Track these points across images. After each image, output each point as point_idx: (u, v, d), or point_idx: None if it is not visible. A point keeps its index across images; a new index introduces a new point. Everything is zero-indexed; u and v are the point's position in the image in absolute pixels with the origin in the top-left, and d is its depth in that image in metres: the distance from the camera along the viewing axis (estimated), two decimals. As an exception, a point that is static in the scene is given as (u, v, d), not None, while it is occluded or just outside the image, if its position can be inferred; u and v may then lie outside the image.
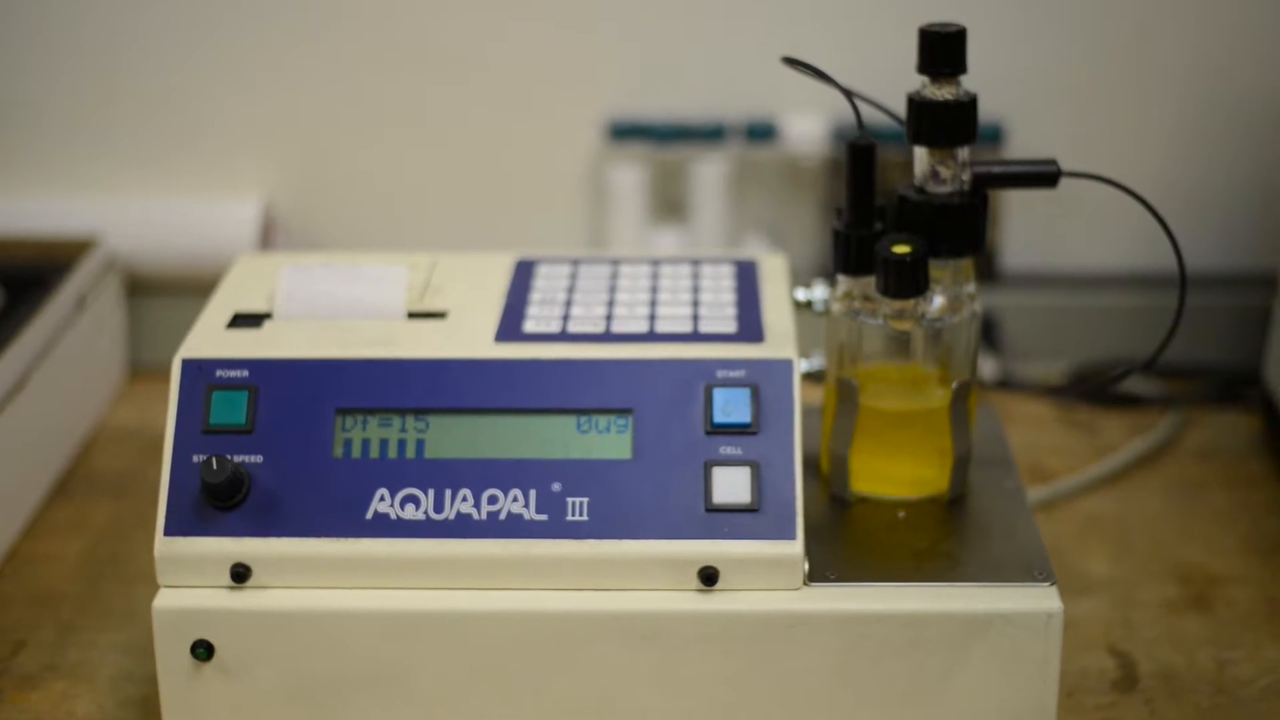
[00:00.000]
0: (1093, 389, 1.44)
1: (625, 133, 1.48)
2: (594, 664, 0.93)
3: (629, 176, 1.48)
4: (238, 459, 0.95)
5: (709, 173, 1.47)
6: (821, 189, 1.48)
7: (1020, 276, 1.52)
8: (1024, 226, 1.52)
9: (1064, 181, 1.01)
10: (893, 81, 1.00)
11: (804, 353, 1.03)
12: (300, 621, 0.93)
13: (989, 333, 1.47)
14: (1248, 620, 1.16)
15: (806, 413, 1.05)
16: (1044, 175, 1.00)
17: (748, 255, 1.10)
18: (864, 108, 1.01)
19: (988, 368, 1.43)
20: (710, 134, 1.47)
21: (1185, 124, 1.50)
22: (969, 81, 0.99)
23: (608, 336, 1.00)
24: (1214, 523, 1.28)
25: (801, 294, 1.05)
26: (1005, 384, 1.44)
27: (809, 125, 1.47)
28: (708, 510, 0.93)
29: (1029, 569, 0.95)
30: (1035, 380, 1.47)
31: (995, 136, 1.46)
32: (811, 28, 1.47)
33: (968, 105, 0.97)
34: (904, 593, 0.93)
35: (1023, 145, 1.48)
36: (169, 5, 1.47)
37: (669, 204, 1.51)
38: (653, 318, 1.02)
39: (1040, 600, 0.93)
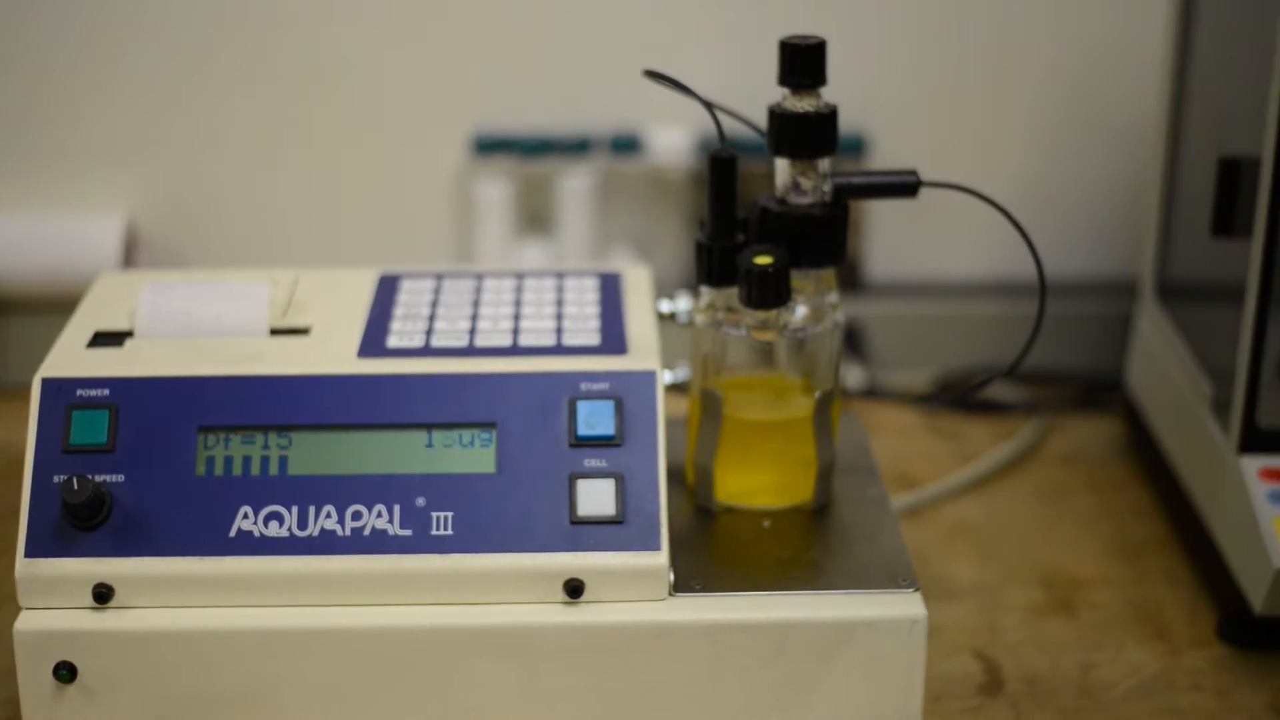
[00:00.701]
0: (957, 396, 1.45)
1: (490, 147, 1.47)
2: (461, 678, 0.93)
3: (495, 191, 1.48)
4: (99, 479, 0.94)
5: (574, 186, 1.48)
6: (686, 201, 1.49)
7: (885, 286, 1.54)
8: (888, 236, 1.53)
9: (928, 191, 1.02)
10: (757, 94, 1.01)
11: (669, 364, 1.04)
12: (164, 641, 0.93)
13: (854, 342, 1.48)
14: (1111, 623, 1.17)
15: (672, 424, 1.05)
16: (904, 185, 1.01)
17: (612, 268, 1.11)
18: (727, 120, 1.01)
19: (854, 377, 1.44)
20: (575, 147, 1.47)
21: (1046, 133, 1.52)
22: (832, 93, 1.00)
23: (471, 351, 1.00)
24: (1078, 527, 1.29)
25: (665, 306, 1.05)
26: (871, 393, 1.45)
27: (673, 138, 1.47)
28: (572, 523, 0.93)
29: (893, 576, 0.96)
30: (901, 388, 1.48)
31: (858, 147, 1.47)
32: (676, 41, 1.48)
33: (828, 117, 0.98)
34: (769, 602, 0.94)
35: (886, 156, 1.49)
36: (29, 21, 1.46)
37: (535, 217, 1.51)
38: (516, 331, 1.02)
39: (904, 607, 0.94)
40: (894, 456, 1.37)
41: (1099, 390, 1.48)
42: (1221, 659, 1.14)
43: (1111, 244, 1.54)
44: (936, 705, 1.07)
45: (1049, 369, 1.50)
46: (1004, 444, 1.40)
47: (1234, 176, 1.13)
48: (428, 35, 1.48)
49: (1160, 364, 1.31)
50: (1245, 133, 1.13)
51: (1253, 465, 1.14)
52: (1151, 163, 1.35)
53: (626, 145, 1.47)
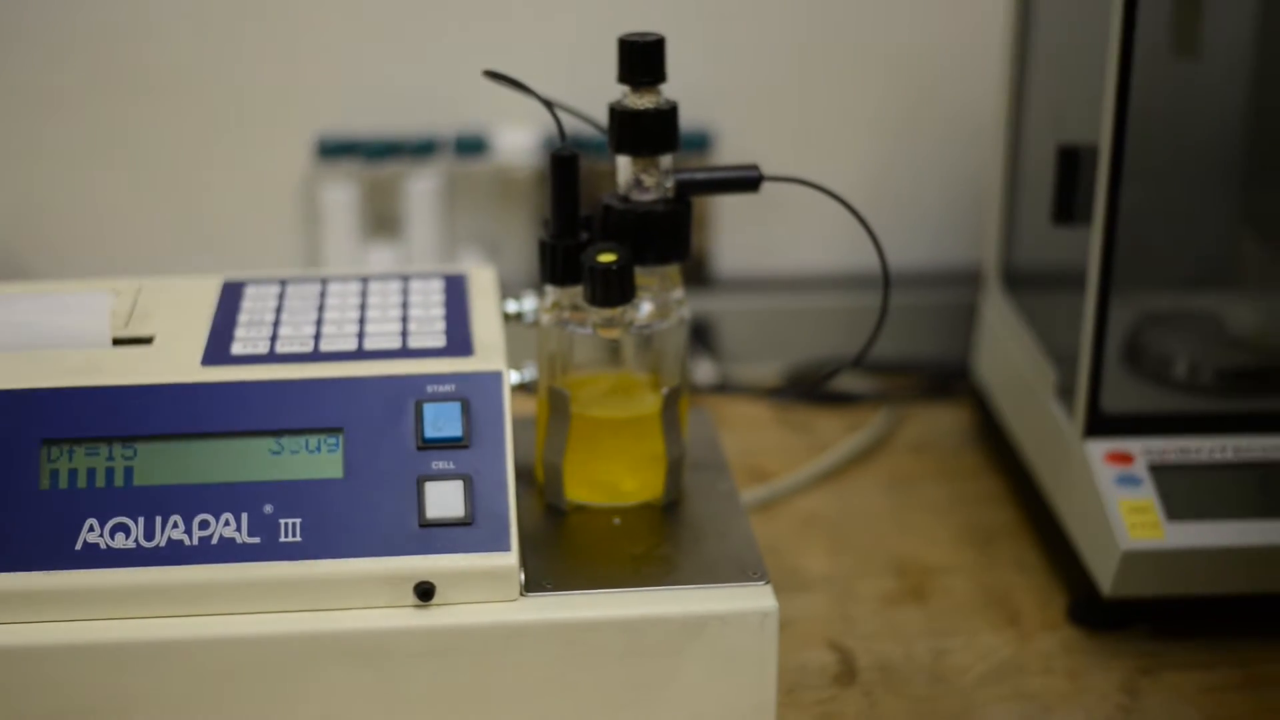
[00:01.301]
0: (806, 389, 1.46)
1: (335, 150, 1.47)
2: (314, 686, 0.92)
3: (340, 195, 1.47)
4: (-59, 494, 0.93)
5: (421, 188, 1.47)
6: (534, 201, 1.49)
7: (734, 281, 1.54)
8: (736, 231, 1.53)
9: (775, 186, 1.03)
10: (602, 92, 1.01)
11: (516, 364, 1.03)
12: (11, 658, 0.91)
13: (704, 337, 1.49)
14: (963, 609, 1.18)
15: (521, 424, 1.05)
16: (746, 180, 1.02)
17: (457, 269, 1.10)
18: (573, 118, 1.01)
19: (704, 372, 1.44)
20: (421, 149, 1.47)
21: (889, 125, 1.53)
22: (676, 90, 1.00)
23: (316, 356, 0.99)
24: (929, 515, 1.30)
25: (511, 306, 1.05)
26: (722, 387, 1.45)
27: (519, 137, 1.47)
28: (421, 525, 0.93)
29: (743, 569, 0.97)
30: (751, 382, 1.49)
31: (703, 143, 1.48)
32: (519, 40, 1.48)
33: (668, 113, 0.98)
34: (620, 599, 0.94)
35: (732, 151, 1.49)
36: None
37: (382, 220, 1.51)
38: (361, 335, 1.01)
39: (755, 600, 0.94)
40: (745, 450, 1.38)
41: (947, 379, 1.50)
42: (1072, 641, 1.15)
43: (956, 233, 1.56)
44: (791, 697, 1.08)
45: (898, 359, 1.51)
46: (854, 435, 1.41)
47: (1073, 164, 1.15)
48: (268, 39, 1.47)
49: (1006, 352, 1.33)
50: (1084, 120, 1.15)
51: (1098, 449, 1.15)
52: (993, 152, 1.37)
53: (472, 146, 1.47)
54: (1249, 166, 1.46)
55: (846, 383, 1.48)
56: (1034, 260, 1.36)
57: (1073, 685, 1.10)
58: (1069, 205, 1.15)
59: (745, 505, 1.11)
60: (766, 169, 1.03)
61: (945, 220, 1.56)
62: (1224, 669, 1.12)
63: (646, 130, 0.98)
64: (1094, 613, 1.16)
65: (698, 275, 1.51)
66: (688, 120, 1.46)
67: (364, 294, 1.07)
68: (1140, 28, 1.08)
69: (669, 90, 1.00)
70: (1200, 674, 1.12)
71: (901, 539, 1.27)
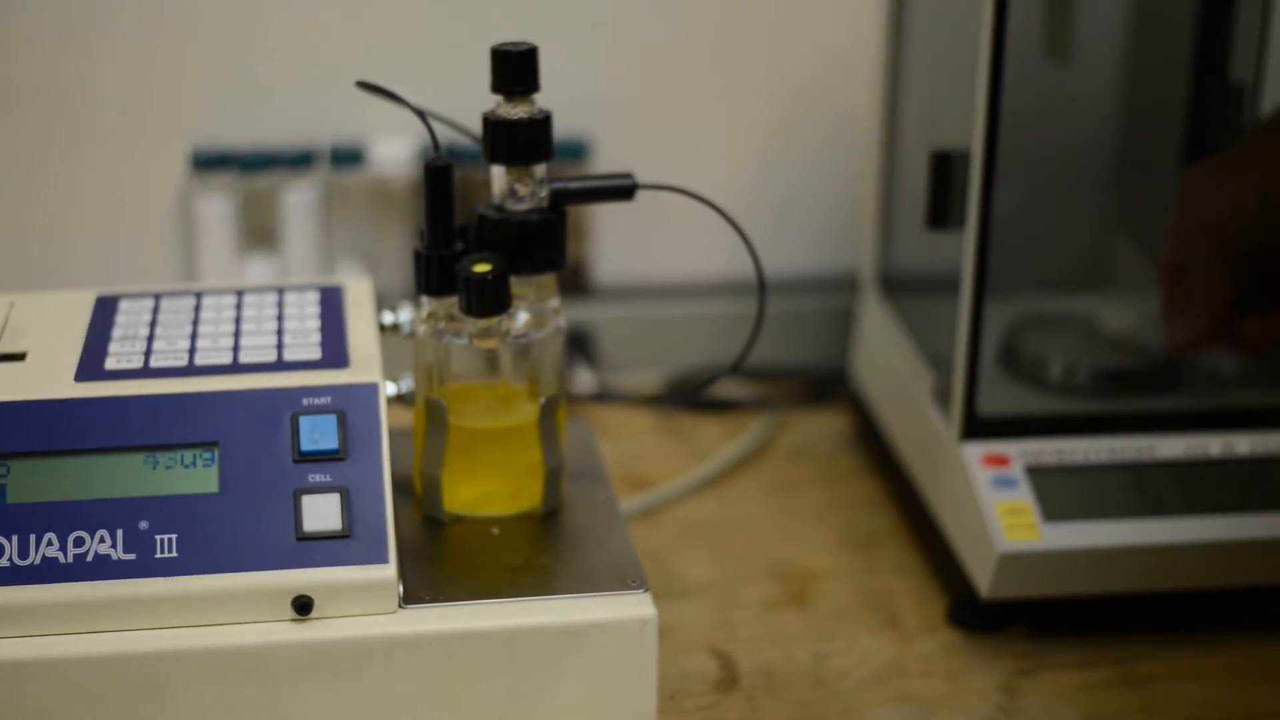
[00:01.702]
0: (685, 396, 1.46)
1: (210, 163, 1.46)
2: (191, 702, 0.92)
3: (216, 207, 1.46)
4: None
5: (298, 200, 1.46)
6: (411, 211, 1.48)
7: (613, 289, 1.54)
8: (615, 240, 1.54)
9: (654, 194, 1.03)
10: (479, 102, 1.01)
11: (393, 376, 1.03)
12: (-118, 680, 0.90)
13: (584, 346, 1.49)
14: (844, 614, 1.19)
15: (399, 435, 1.05)
16: (621, 189, 1.02)
17: (333, 281, 1.10)
18: (447, 128, 1.01)
19: (584, 381, 1.44)
20: (297, 161, 1.46)
21: (766, 134, 1.53)
22: (554, 99, 1.00)
23: (191, 370, 0.99)
24: (810, 520, 1.31)
25: (388, 317, 1.05)
26: (602, 396, 1.45)
27: (396, 148, 1.47)
28: (299, 539, 0.92)
29: (622, 578, 0.97)
30: (632, 390, 1.49)
31: (580, 152, 1.48)
32: (395, 51, 1.47)
33: (542, 123, 0.98)
34: (499, 609, 0.94)
35: (609, 160, 1.50)
36: None
37: (260, 233, 1.50)
38: (236, 349, 1.01)
39: (634, 608, 0.95)
40: (626, 458, 1.38)
41: (827, 384, 1.50)
42: (952, 643, 1.16)
43: (834, 239, 1.56)
44: (672, 704, 1.08)
45: (778, 365, 1.52)
46: (735, 441, 1.41)
47: (946, 169, 1.16)
48: (142, 51, 1.46)
49: (884, 356, 1.33)
50: (957, 125, 1.16)
51: (974, 452, 1.16)
52: (868, 158, 1.38)
53: (348, 157, 1.46)
54: (1122, 169, 1.47)
55: (726, 390, 1.49)
56: (910, 265, 1.37)
57: (952, 687, 1.11)
58: (943, 210, 1.16)
59: (625, 513, 1.11)
60: (644, 177, 1.03)
61: (822, 226, 1.56)
62: (1101, 668, 1.13)
63: (520, 140, 0.98)
64: (973, 614, 1.17)
65: (577, 284, 1.51)
66: (566, 129, 1.46)
67: (239, 307, 1.06)
68: (1011, 32, 1.09)
69: (546, 99, 1.00)
70: (1078, 673, 1.13)
71: (782, 544, 1.27)
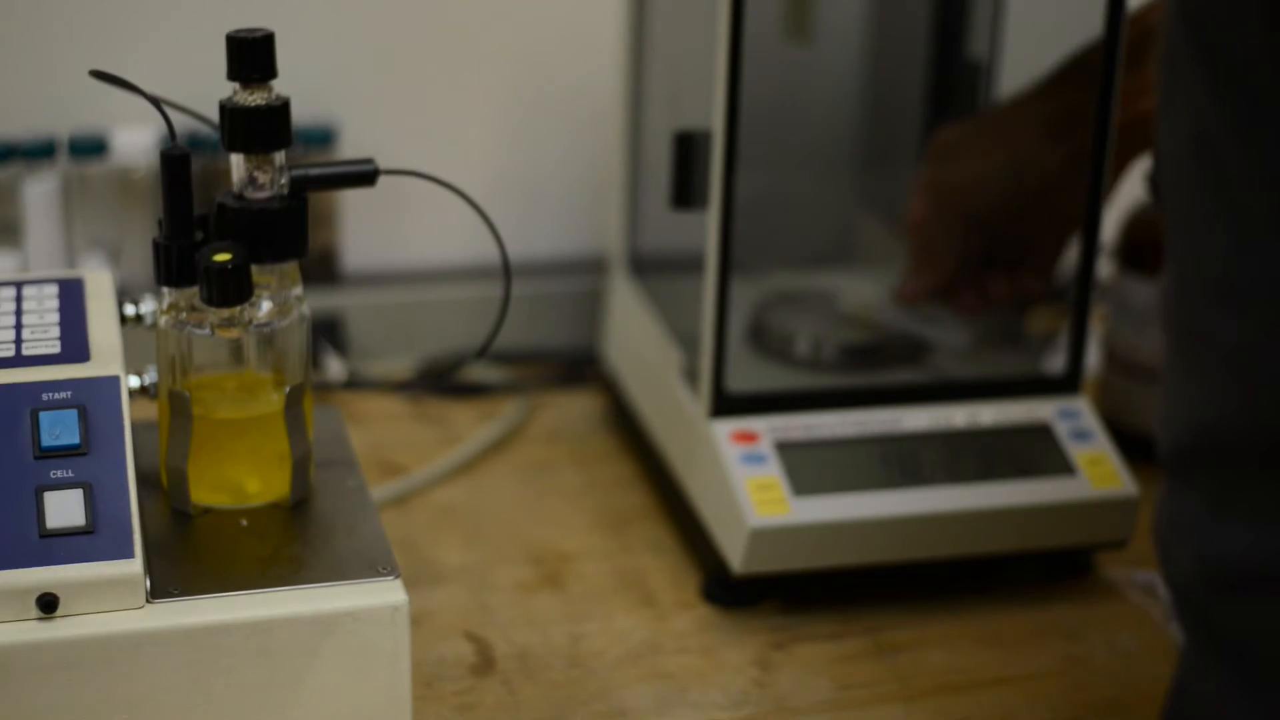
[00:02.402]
0: (436, 381, 1.46)
1: (-55, 155, 1.43)
2: (-65, 706, 0.90)
3: (-47, 200, 1.43)
4: None
5: (38, 192, 1.44)
6: (155, 202, 1.46)
7: (362, 276, 1.53)
8: (364, 226, 1.53)
9: (403, 180, 1.03)
10: (222, 89, 1.00)
11: (138, 368, 1.02)
12: None
13: (334, 334, 1.48)
14: (599, 594, 1.19)
15: (145, 428, 1.03)
16: (362, 175, 1.01)
17: (73, 274, 1.08)
18: (188, 116, 1.00)
19: (334, 369, 1.43)
20: (38, 151, 1.43)
21: (514, 118, 1.53)
22: (299, 86, 0.99)
23: (-74, 367, 0.97)
24: (563, 502, 1.31)
25: (130, 309, 1.03)
26: (353, 384, 1.44)
27: (137, 138, 1.44)
28: (42, 536, 0.91)
29: (373, 565, 0.96)
30: (384, 377, 1.48)
31: (328, 139, 1.47)
32: (137, 39, 1.45)
33: (279, 110, 0.97)
34: (249, 600, 0.93)
35: (356, 146, 1.48)
36: None
37: (0, 226, 1.47)
38: (-27, 345, 0.99)
39: (385, 594, 0.94)
40: (379, 445, 1.38)
41: (580, 366, 1.51)
42: (706, 620, 1.17)
43: (584, 221, 1.57)
44: (430, 690, 1.08)
45: (530, 348, 1.52)
46: (487, 425, 1.41)
47: (689, 149, 1.17)
48: None
49: (634, 337, 1.34)
50: (699, 106, 1.17)
51: (724, 429, 1.17)
52: (614, 140, 1.38)
53: (90, 148, 1.44)
54: (865, 147, 1.49)
55: (479, 374, 1.49)
56: (658, 246, 1.38)
57: (708, 662, 1.12)
58: (686, 190, 1.17)
59: (377, 501, 1.10)
60: (392, 163, 1.03)
61: (573, 208, 1.57)
62: (853, 638, 1.15)
63: (258, 127, 0.97)
64: (726, 590, 1.18)
65: (326, 272, 1.50)
66: (312, 116, 1.45)
67: (-25, 303, 1.04)
68: (751, 13, 1.10)
69: (292, 86, 0.99)
70: (830, 645, 1.15)
71: (536, 527, 1.28)
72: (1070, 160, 1.20)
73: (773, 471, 1.15)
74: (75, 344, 0.99)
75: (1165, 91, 0.76)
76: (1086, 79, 1.17)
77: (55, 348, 0.99)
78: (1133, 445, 1.27)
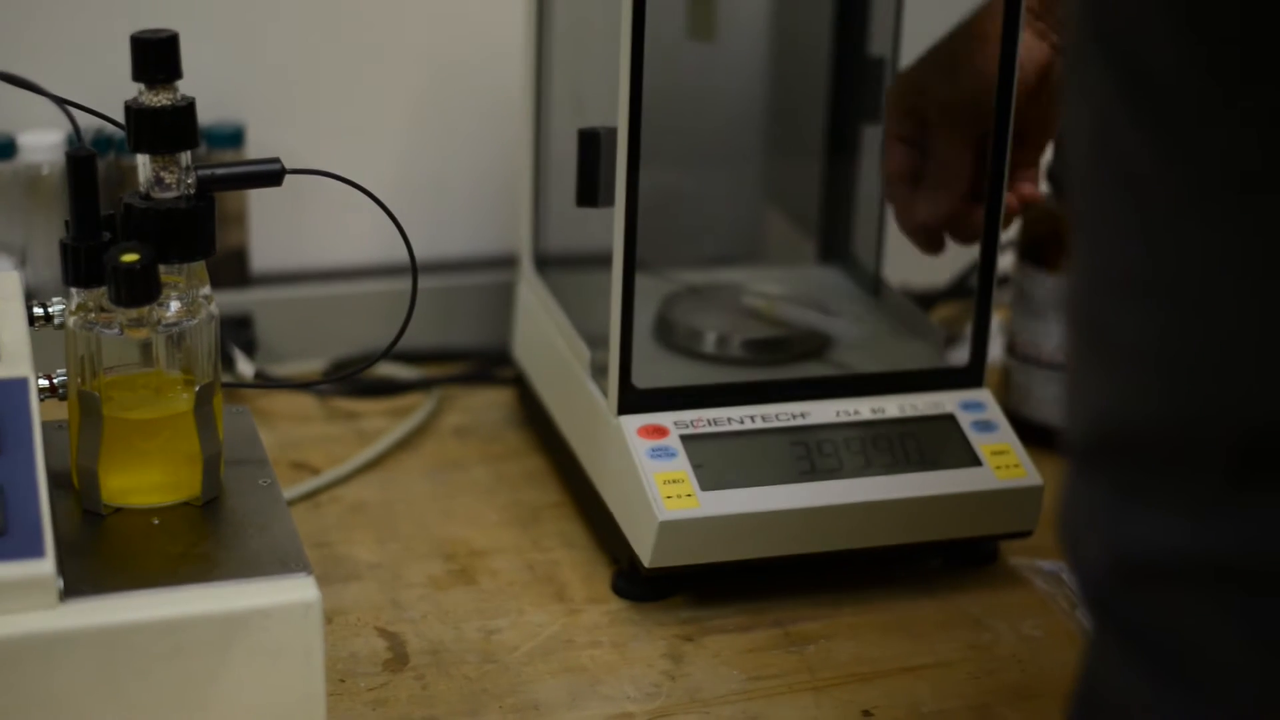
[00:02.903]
0: (346, 379, 1.46)
1: None
2: None
3: None
4: None
5: (-56, 194, 1.43)
6: (63, 203, 1.45)
7: (273, 275, 1.53)
8: (274, 226, 1.53)
9: (315, 180, 1.03)
10: (132, 90, 1.00)
11: (48, 369, 1.02)
12: None
13: (245, 333, 1.48)
14: (510, 589, 1.20)
15: (56, 429, 1.04)
16: (268, 174, 1.02)
17: (-20, 276, 1.08)
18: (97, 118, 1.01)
19: (246, 368, 1.43)
20: (-58, 154, 1.43)
21: (422, 119, 1.54)
22: (209, 86, 0.99)
23: None
24: (475, 498, 1.32)
25: (39, 310, 1.04)
26: (265, 383, 1.45)
27: (45, 139, 1.44)
28: (-47, 539, 0.91)
29: (285, 562, 0.97)
30: (295, 376, 1.49)
31: (236, 140, 1.47)
32: (46, 39, 1.45)
33: (185, 110, 0.98)
34: (161, 599, 0.93)
35: (266, 147, 1.48)
36: None
37: (-95, 230, 1.46)
38: (-125, 352, 0.99)
39: (297, 591, 0.95)
40: (290, 444, 1.38)
41: (491, 363, 1.51)
42: (617, 614, 1.18)
43: (496, 220, 1.57)
44: (343, 686, 1.09)
45: (441, 346, 1.53)
46: (399, 423, 1.42)
47: (593, 147, 1.17)
48: None
49: (543, 334, 1.35)
50: (604, 104, 1.17)
51: (632, 424, 1.18)
52: (522, 138, 1.39)
53: (-3, 149, 1.43)
54: (770, 143, 1.51)
55: (391, 372, 1.49)
56: (566, 243, 1.39)
57: (620, 656, 1.13)
58: (592, 188, 1.18)
59: (289, 499, 1.11)
60: (302, 163, 1.03)
61: (485, 207, 1.57)
62: (762, 630, 1.16)
63: (163, 128, 0.97)
64: (637, 584, 1.19)
65: (235, 272, 1.50)
66: (220, 117, 1.45)
67: (-123, 309, 1.04)
68: (654, 12, 1.11)
69: (200, 87, 0.99)
70: (740, 636, 1.16)
71: (448, 523, 1.28)
72: (1056, 51, 1.19)
73: (681, 466, 1.16)
74: (-16, 347, 0.99)
75: (1069, 83, 0.77)
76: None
77: (-37, 350, 0.99)
78: (1035, 435, 1.29)
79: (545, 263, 1.39)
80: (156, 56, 0.97)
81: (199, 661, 0.93)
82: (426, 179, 1.55)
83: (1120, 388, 0.75)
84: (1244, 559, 0.72)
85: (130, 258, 0.96)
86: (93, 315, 1.00)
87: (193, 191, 0.99)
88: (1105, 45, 0.73)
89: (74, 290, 1.00)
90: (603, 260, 1.19)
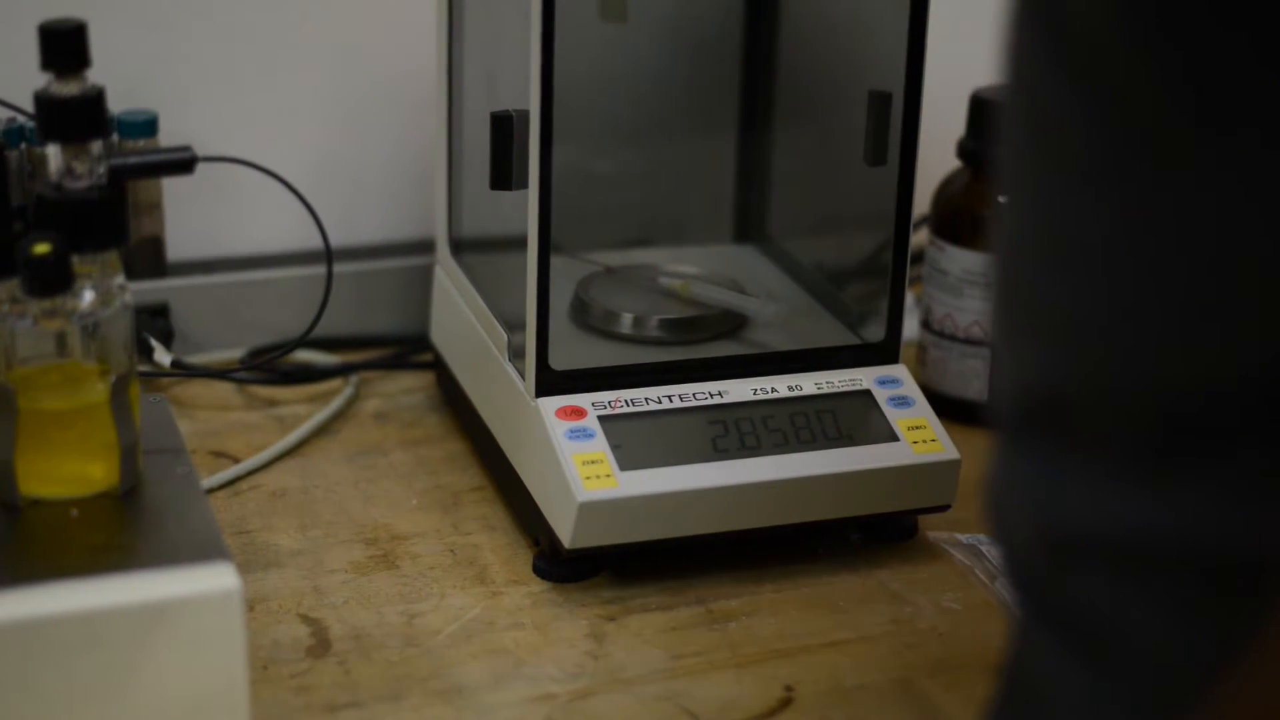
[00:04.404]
0: (264, 366, 1.46)
1: None
2: None
3: None
4: None
5: None
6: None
7: (190, 264, 1.53)
8: (189, 215, 1.52)
9: (228, 168, 1.03)
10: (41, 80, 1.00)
11: (-39, 362, 1.02)
12: None
13: (161, 322, 1.47)
14: (432, 573, 1.20)
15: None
16: (180, 162, 1.02)
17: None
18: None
19: (164, 356, 1.43)
20: None
21: (336, 106, 1.53)
22: (121, 75, 0.99)
23: None
24: (395, 482, 1.32)
25: (-50, 303, 1.03)
26: (182, 371, 1.44)
27: (-45, 131, 1.43)
28: None
29: (204, 551, 0.97)
30: (214, 364, 1.48)
31: (150, 128, 1.46)
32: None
33: (94, 99, 0.97)
34: (79, 590, 0.93)
35: (180, 135, 1.48)
36: None
37: None
38: None
39: (216, 579, 0.95)
40: (209, 433, 1.38)
41: (410, 349, 1.51)
42: (539, 595, 1.18)
43: (414, 205, 1.57)
44: (266, 673, 1.09)
45: (360, 333, 1.53)
46: (318, 409, 1.41)
47: (506, 130, 1.17)
48: None
49: (461, 318, 1.35)
50: (515, 87, 1.18)
51: (550, 406, 1.19)
52: (436, 122, 1.39)
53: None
54: (683, 125, 1.51)
55: (309, 358, 1.49)
56: (482, 227, 1.39)
57: (542, 637, 1.14)
58: (505, 171, 1.18)
59: (207, 487, 1.11)
60: (216, 151, 1.03)
61: (402, 192, 1.57)
62: (684, 608, 1.17)
63: (73, 117, 0.97)
64: (558, 565, 1.20)
65: (151, 261, 1.49)
66: (132, 106, 1.44)
67: None
68: (564, -7, 1.12)
69: (111, 76, 0.99)
70: (663, 615, 1.16)
71: (368, 508, 1.28)
72: None
73: (599, 446, 1.17)
74: (-104, 340, 0.99)
75: (1002, 44, 0.76)
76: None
77: (-124, 345, 0.98)
78: (951, 410, 1.30)
79: (461, 247, 1.39)
80: (64, 45, 0.96)
81: (119, 652, 0.93)
82: (340, 165, 1.55)
83: (1046, 356, 0.75)
84: (1165, 539, 0.71)
85: (42, 248, 0.96)
86: (6, 306, 0.99)
87: (104, 181, 0.99)
88: (1038, 8, 0.73)
89: (-14, 283, 1.00)
90: (518, 243, 1.19)
